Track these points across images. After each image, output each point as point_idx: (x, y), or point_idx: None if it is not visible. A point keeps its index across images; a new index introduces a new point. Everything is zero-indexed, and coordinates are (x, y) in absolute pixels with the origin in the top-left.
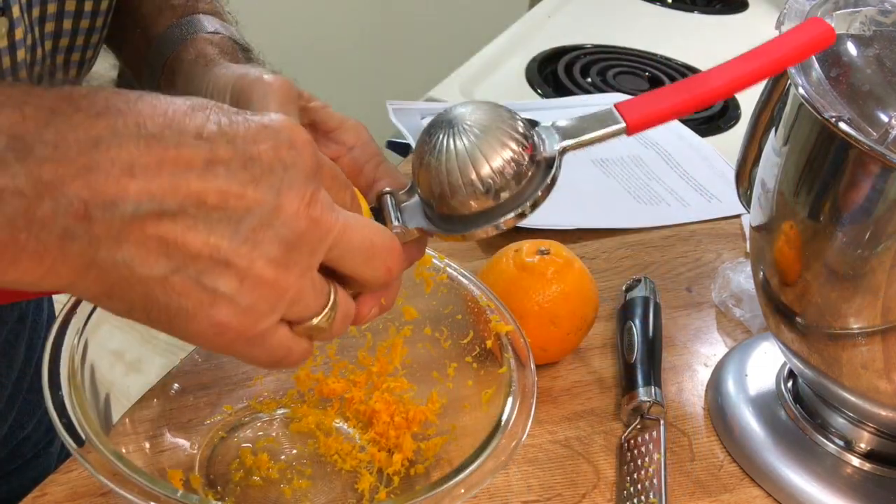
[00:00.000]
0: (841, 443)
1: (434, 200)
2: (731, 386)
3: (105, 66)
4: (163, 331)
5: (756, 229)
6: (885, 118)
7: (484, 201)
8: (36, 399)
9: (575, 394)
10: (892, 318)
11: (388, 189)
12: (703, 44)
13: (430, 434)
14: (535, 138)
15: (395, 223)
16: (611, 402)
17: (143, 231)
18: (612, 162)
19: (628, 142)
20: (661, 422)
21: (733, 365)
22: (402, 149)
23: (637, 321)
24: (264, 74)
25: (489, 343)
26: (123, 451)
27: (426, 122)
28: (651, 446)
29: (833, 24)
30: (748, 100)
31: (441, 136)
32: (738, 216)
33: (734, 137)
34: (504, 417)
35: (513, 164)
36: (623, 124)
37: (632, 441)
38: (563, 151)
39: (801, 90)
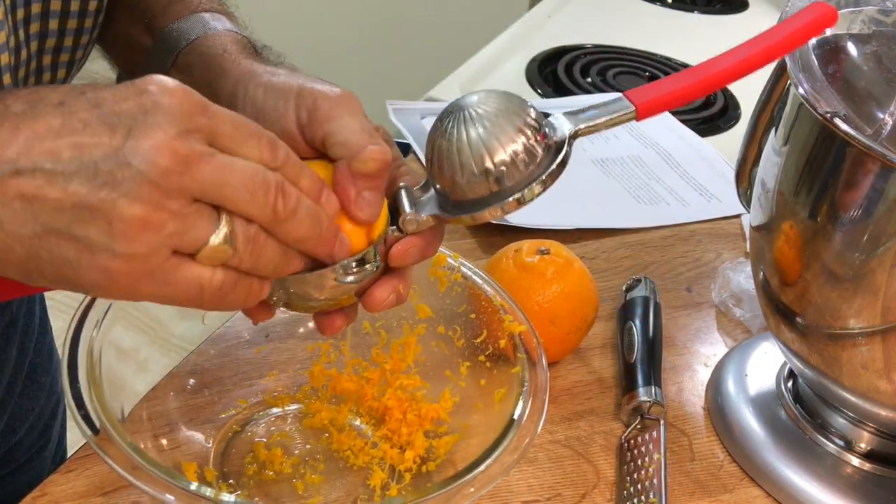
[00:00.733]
0: (841, 443)
1: (447, 186)
2: (731, 386)
3: (104, 66)
4: (65, 289)
5: (756, 229)
6: (881, 116)
7: (496, 185)
8: (28, 404)
9: (575, 394)
10: (892, 318)
11: (402, 184)
12: (703, 44)
13: (441, 432)
14: (546, 125)
15: (409, 211)
16: (611, 402)
17: (4, 192)
18: (612, 162)
19: (628, 142)
20: (661, 422)
21: (733, 365)
22: (402, 149)
23: (637, 321)
24: (332, 88)
25: (502, 343)
26: (141, 445)
27: (426, 121)
28: (651, 446)
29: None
30: (748, 100)
31: (455, 123)
32: (738, 216)
33: (734, 137)
34: (516, 415)
35: (525, 149)
36: (633, 109)
37: (632, 441)
38: (574, 135)
39: (801, 90)
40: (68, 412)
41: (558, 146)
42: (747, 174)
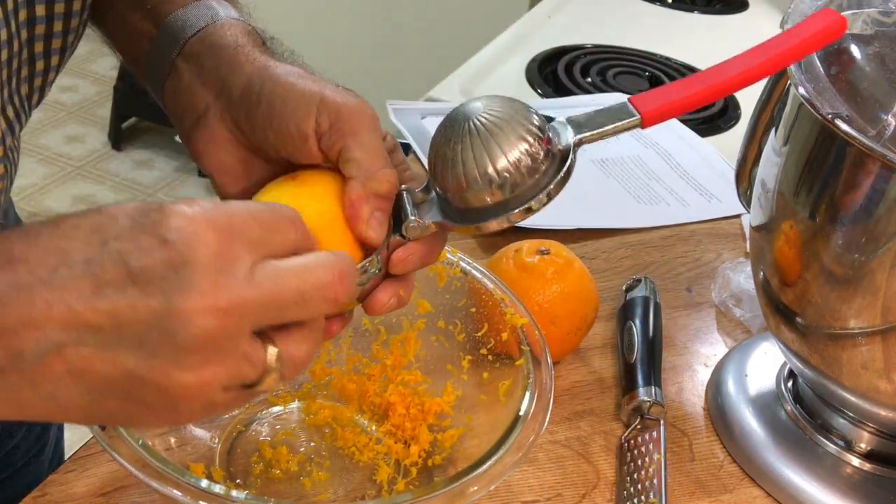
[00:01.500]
0: (841, 443)
1: (450, 193)
2: (731, 386)
3: (105, 66)
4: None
5: (756, 229)
6: (884, 117)
7: (499, 194)
8: None
9: (575, 394)
10: (892, 318)
11: (405, 186)
12: (703, 44)
13: (445, 426)
14: (550, 132)
15: (412, 217)
16: (611, 402)
17: (52, 370)
18: (612, 162)
19: (628, 142)
20: (661, 422)
21: (733, 365)
22: (402, 149)
23: (637, 321)
24: (355, 99)
25: (505, 336)
26: (149, 443)
27: (426, 121)
28: (651, 446)
29: None
30: (748, 100)
31: (458, 129)
32: (738, 216)
33: (734, 137)
34: (523, 411)
35: (529, 157)
36: (638, 117)
37: (632, 441)
38: (579, 144)
39: (801, 90)
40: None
41: (563, 154)
42: (747, 174)
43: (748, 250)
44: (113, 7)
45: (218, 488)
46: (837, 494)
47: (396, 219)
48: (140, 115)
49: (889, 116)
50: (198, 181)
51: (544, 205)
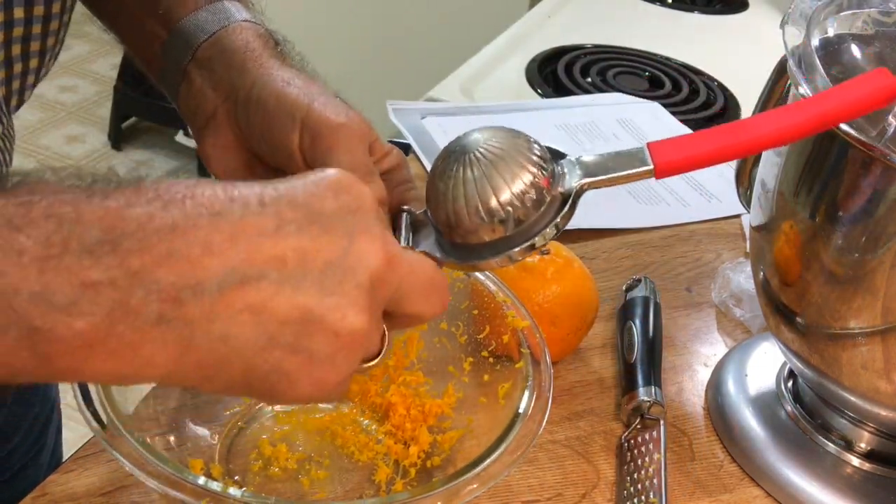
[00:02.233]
0: (841, 443)
1: (443, 227)
2: (731, 386)
3: (105, 66)
4: (262, 400)
5: (756, 229)
6: (884, 117)
7: (492, 232)
8: (22, 411)
9: (575, 394)
10: (892, 319)
11: (406, 207)
12: (703, 44)
13: (446, 427)
14: (555, 170)
15: (403, 243)
16: (611, 402)
17: (231, 304)
18: None
19: (628, 142)
20: (661, 422)
21: (733, 365)
22: (402, 149)
23: (637, 321)
24: (338, 115)
25: (506, 338)
26: (148, 441)
27: (426, 122)
28: (651, 446)
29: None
30: (748, 100)
31: (453, 162)
32: (738, 216)
33: None
34: (521, 410)
35: (523, 196)
36: (650, 167)
37: (632, 441)
38: (582, 190)
39: (801, 90)
40: (72, 410)
41: (564, 198)
42: (747, 174)
43: (748, 250)
44: (125, 9)
45: (215, 485)
46: (837, 494)
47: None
48: (140, 115)
49: (890, 117)
50: None
51: (541, 245)
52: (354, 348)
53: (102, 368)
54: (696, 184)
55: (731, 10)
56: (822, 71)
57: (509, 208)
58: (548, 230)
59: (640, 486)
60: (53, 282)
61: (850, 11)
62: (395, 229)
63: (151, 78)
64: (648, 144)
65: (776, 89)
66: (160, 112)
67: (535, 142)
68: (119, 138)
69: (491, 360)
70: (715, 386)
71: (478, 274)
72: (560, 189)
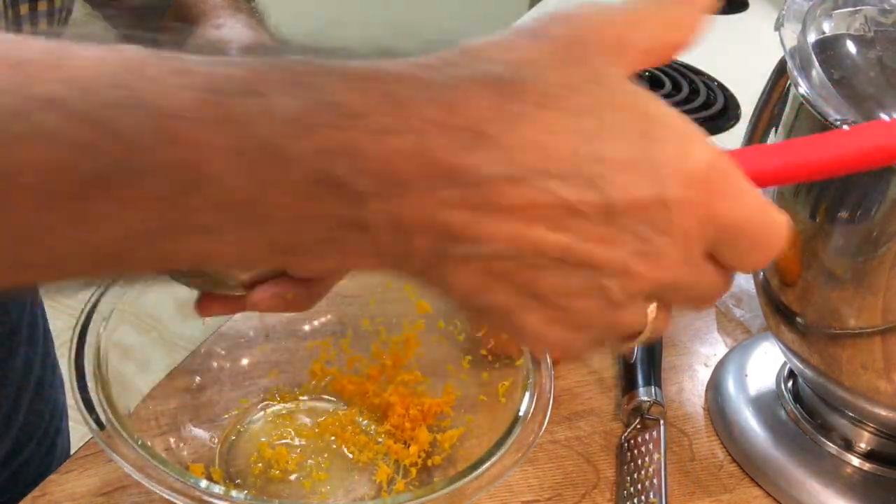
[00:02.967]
0: (841, 443)
1: None
2: (731, 386)
3: None
4: (487, 320)
5: None
6: (885, 118)
7: None
8: (36, 420)
9: (575, 394)
10: (892, 318)
11: None
12: (703, 44)
13: (445, 426)
14: None
15: None
16: (611, 402)
17: (544, 203)
18: None
19: None
20: (661, 422)
21: (733, 365)
22: None
23: None
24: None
25: (504, 336)
26: (148, 443)
27: None
28: (651, 446)
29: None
30: (748, 100)
31: None
32: None
33: (734, 137)
34: (522, 411)
35: None
36: None
37: (632, 441)
38: None
39: (801, 90)
40: (72, 410)
41: None
42: None
43: None
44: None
45: (217, 489)
46: (837, 494)
47: None
48: None
49: (888, 117)
50: None
51: None
52: (676, 258)
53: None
54: None
55: (731, 10)
56: (821, 71)
57: None
58: None
59: (640, 486)
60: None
61: (846, 9)
62: None
63: None
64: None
65: (776, 89)
66: None
67: None
68: None
69: (490, 358)
70: (715, 386)
71: None
72: None
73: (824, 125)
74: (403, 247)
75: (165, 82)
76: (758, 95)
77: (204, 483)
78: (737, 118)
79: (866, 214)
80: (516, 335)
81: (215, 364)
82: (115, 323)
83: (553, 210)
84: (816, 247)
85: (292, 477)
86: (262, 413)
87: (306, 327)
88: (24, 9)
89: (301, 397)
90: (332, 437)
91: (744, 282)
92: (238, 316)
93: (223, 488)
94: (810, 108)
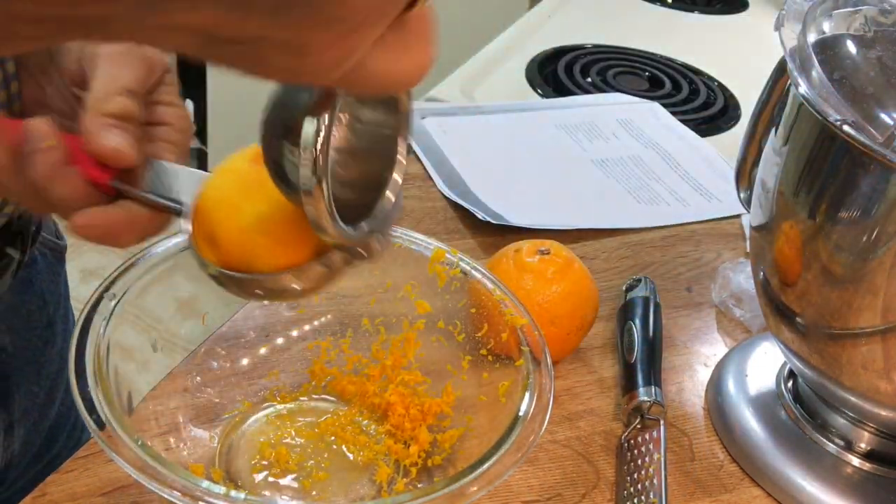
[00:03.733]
0: (841, 443)
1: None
2: (731, 386)
3: None
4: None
5: (756, 229)
6: (888, 120)
7: None
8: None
9: (575, 394)
10: (892, 318)
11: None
12: (703, 44)
13: (445, 426)
14: None
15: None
16: (611, 402)
17: None
18: (612, 162)
19: (628, 142)
20: (661, 422)
21: (733, 365)
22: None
23: (637, 321)
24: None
25: (504, 336)
26: (148, 443)
27: (426, 121)
28: (651, 446)
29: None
30: (748, 100)
31: None
32: (738, 216)
33: (734, 137)
34: (522, 411)
35: None
36: None
37: (632, 441)
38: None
39: (801, 90)
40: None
41: None
42: (747, 174)
43: (748, 250)
44: None
45: (217, 489)
46: (837, 494)
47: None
48: None
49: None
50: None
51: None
52: None
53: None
54: (696, 184)
55: (731, 10)
56: (821, 71)
57: None
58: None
59: (640, 486)
60: None
61: (847, 10)
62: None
63: None
64: None
65: (776, 89)
66: None
67: None
68: None
69: (490, 358)
70: (715, 386)
71: (475, 272)
72: None
73: (824, 125)
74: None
75: None
76: (758, 95)
77: (204, 483)
78: (737, 118)
79: (866, 214)
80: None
81: (215, 364)
82: (115, 323)
83: None
84: (816, 247)
85: (292, 477)
86: (262, 413)
87: (306, 327)
88: None
89: (301, 397)
90: (332, 437)
91: (744, 282)
92: (238, 316)
93: (223, 488)
94: (810, 108)
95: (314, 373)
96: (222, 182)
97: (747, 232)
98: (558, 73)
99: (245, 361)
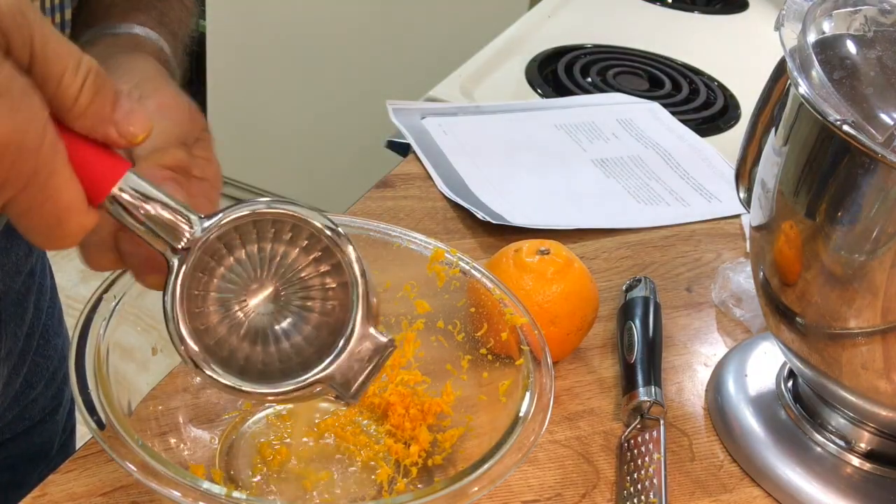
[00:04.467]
0: (841, 443)
1: None
2: (731, 386)
3: None
4: None
5: (756, 229)
6: (888, 120)
7: None
8: (44, 362)
9: (575, 394)
10: (892, 318)
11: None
12: (703, 44)
13: (445, 426)
14: None
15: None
16: (611, 402)
17: None
18: (612, 162)
19: (628, 142)
20: (661, 422)
21: (733, 365)
22: (401, 149)
23: (637, 321)
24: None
25: (504, 335)
26: (149, 443)
27: (426, 121)
28: (651, 446)
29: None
30: (748, 100)
31: None
32: (738, 216)
33: (734, 137)
34: (523, 411)
35: None
36: None
37: (632, 441)
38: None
39: (801, 90)
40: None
41: None
42: (747, 174)
43: (748, 250)
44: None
45: (218, 489)
46: (837, 494)
47: None
48: None
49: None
50: None
51: None
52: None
53: None
54: (696, 184)
55: (731, 10)
56: (821, 71)
57: None
58: None
59: (640, 486)
60: None
61: (846, 9)
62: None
63: None
64: None
65: (776, 89)
66: None
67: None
68: None
69: (490, 357)
70: (715, 386)
71: (474, 272)
72: None
73: (824, 125)
74: None
75: None
76: (758, 95)
77: (204, 483)
78: (737, 118)
79: (866, 214)
80: None
81: None
82: (115, 323)
83: None
84: (816, 247)
85: (292, 477)
86: (262, 413)
87: None
88: None
89: None
90: (333, 437)
91: (744, 282)
92: None
93: (224, 488)
94: (810, 108)
95: None
96: None
97: (747, 232)
98: (558, 73)
99: None
